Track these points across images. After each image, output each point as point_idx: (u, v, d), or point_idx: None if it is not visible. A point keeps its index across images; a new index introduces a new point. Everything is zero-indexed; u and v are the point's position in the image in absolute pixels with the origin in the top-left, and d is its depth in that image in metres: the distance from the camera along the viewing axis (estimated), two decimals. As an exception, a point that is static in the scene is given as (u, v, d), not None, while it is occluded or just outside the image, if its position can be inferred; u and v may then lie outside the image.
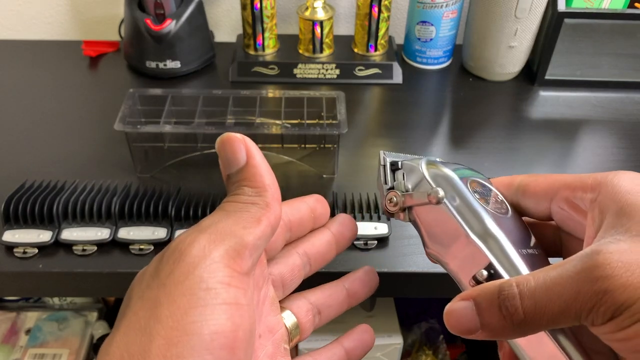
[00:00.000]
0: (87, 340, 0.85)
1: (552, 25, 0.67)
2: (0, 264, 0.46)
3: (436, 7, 0.70)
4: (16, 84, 0.70)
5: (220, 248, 0.22)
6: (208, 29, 0.74)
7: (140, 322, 0.21)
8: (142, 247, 0.47)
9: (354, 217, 0.49)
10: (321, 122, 0.56)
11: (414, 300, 0.88)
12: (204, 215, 0.48)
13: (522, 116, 0.67)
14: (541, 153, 0.61)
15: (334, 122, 0.54)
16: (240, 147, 0.26)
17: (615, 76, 0.71)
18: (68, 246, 0.47)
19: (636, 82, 0.72)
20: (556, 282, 0.22)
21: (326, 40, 0.72)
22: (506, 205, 0.30)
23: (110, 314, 0.90)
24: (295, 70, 0.72)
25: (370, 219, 0.49)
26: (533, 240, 0.29)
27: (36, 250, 0.47)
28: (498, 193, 0.30)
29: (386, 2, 0.70)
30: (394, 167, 0.32)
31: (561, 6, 0.66)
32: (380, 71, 0.72)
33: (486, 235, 0.27)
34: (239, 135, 0.26)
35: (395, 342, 0.68)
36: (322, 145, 0.57)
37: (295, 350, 0.31)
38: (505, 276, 0.26)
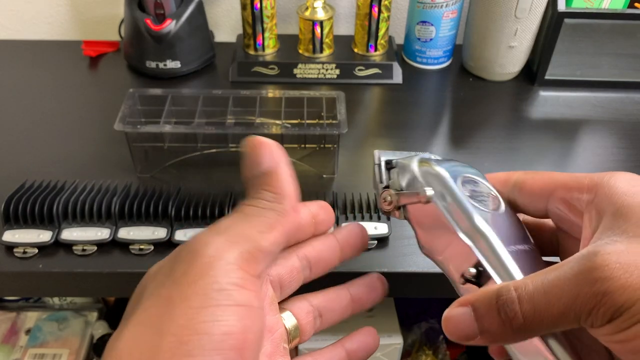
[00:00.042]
0: (87, 340, 0.85)
1: (552, 25, 0.67)
2: (0, 264, 0.46)
3: (436, 7, 0.70)
4: (16, 84, 0.70)
5: (235, 250, 0.23)
6: (208, 29, 0.74)
7: (151, 319, 0.22)
8: (142, 247, 0.47)
9: (354, 217, 0.49)
10: (321, 122, 0.56)
11: (414, 300, 0.88)
12: (204, 215, 0.48)
13: (522, 116, 0.67)
14: (541, 153, 0.61)
15: (334, 122, 0.54)
16: (269, 152, 0.26)
17: (615, 76, 0.71)
18: (68, 246, 0.47)
19: (636, 82, 0.72)
20: (554, 285, 0.22)
21: (326, 40, 0.72)
22: (499, 201, 0.29)
23: (110, 314, 0.90)
24: (295, 70, 0.72)
25: (370, 219, 0.49)
26: (526, 235, 0.29)
27: (36, 250, 0.47)
28: (492, 189, 0.30)
29: (386, 2, 0.70)
30: (389, 165, 0.32)
31: (561, 6, 0.66)
32: (380, 71, 0.72)
33: (474, 233, 0.27)
34: (269, 141, 0.27)
35: (395, 342, 0.68)
36: (322, 145, 0.57)
37: (295, 351, 0.31)
38: (493, 274, 0.26)
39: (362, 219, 0.49)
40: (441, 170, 0.29)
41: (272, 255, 0.25)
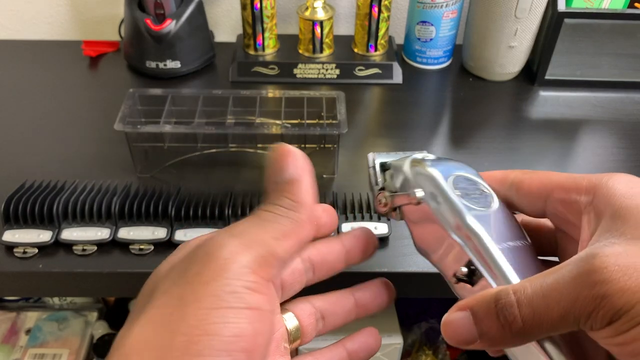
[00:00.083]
0: (87, 340, 0.85)
1: (552, 25, 0.67)
2: (0, 264, 0.46)
3: (436, 7, 0.70)
4: (16, 84, 0.70)
5: (249, 254, 0.23)
6: (208, 29, 0.74)
7: (162, 317, 0.22)
8: (142, 247, 0.47)
9: (354, 218, 0.49)
10: (321, 122, 0.56)
11: (414, 300, 0.88)
12: (204, 215, 0.48)
13: (522, 116, 0.67)
14: (541, 153, 0.61)
15: (334, 122, 0.54)
16: (295, 160, 0.27)
17: (615, 76, 0.71)
18: (68, 246, 0.47)
19: (636, 82, 0.72)
20: (553, 288, 0.22)
21: (326, 40, 0.72)
22: (492, 198, 0.29)
23: (110, 314, 0.90)
24: (295, 70, 0.72)
25: (371, 219, 0.49)
26: (520, 232, 0.29)
27: (36, 250, 0.47)
28: (486, 186, 0.30)
29: (386, 2, 0.70)
30: (384, 167, 0.32)
31: (561, 6, 0.66)
32: (380, 71, 0.72)
33: (465, 232, 0.27)
34: (296, 150, 0.27)
35: (395, 342, 0.68)
36: (322, 145, 0.57)
37: (296, 352, 0.31)
38: (485, 273, 0.26)
39: (362, 219, 0.49)
40: (432, 170, 0.29)
41: (284, 262, 0.25)
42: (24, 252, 0.47)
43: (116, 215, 0.48)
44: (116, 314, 0.89)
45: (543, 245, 0.31)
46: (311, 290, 0.32)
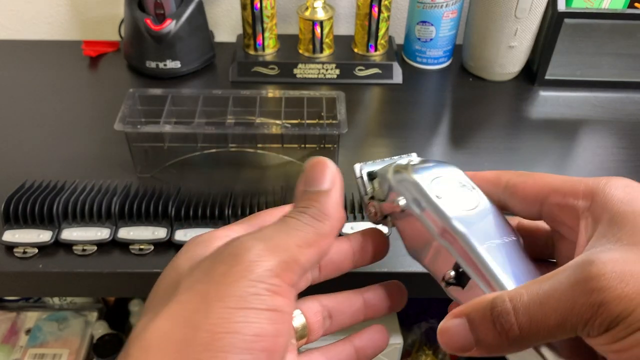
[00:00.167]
0: (87, 340, 0.85)
1: (552, 25, 0.67)
2: (0, 264, 0.46)
3: (436, 7, 0.70)
4: (16, 84, 0.70)
5: (273, 259, 0.23)
6: (208, 29, 0.74)
7: (185, 313, 0.22)
8: (142, 247, 0.47)
9: (354, 218, 0.49)
10: (321, 122, 0.56)
11: (414, 300, 0.88)
12: (204, 215, 0.48)
13: (522, 116, 0.67)
14: (541, 153, 0.61)
15: (334, 122, 0.54)
16: (329, 173, 0.27)
17: (615, 76, 0.71)
18: (68, 246, 0.47)
19: (636, 82, 0.72)
20: (550, 295, 0.22)
21: (326, 40, 0.72)
22: (477, 197, 0.29)
23: (110, 314, 0.90)
24: (295, 70, 0.72)
25: (370, 219, 0.49)
26: (507, 229, 0.29)
27: (36, 250, 0.47)
28: (471, 184, 0.30)
29: (386, 2, 0.70)
30: (372, 176, 0.32)
31: (561, 6, 0.66)
32: (380, 71, 0.72)
33: (450, 236, 0.27)
34: (331, 163, 0.28)
35: (395, 342, 0.68)
36: (322, 145, 0.57)
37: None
38: (473, 275, 0.26)
39: (363, 219, 0.49)
40: (414, 176, 0.29)
41: (305, 269, 0.25)
42: (24, 252, 0.47)
43: (116, 215, 0.48)
44: (116, 314, 0.89)
45: (540, 247, 0.31)
46: (320, 291, 0.32)
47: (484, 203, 0.29)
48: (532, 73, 0.73)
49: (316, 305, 0.31)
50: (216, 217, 0.48)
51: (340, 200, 0.27)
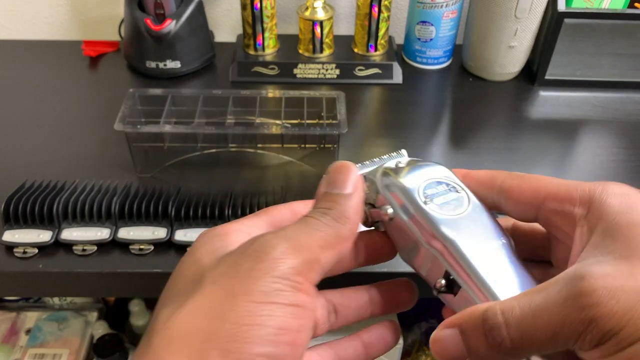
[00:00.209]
0: (87, 340, 0.85)
1: (552, 25, 0.67)
2: (0, 264, 0.46)
3: (436, 7, 0.70)
4: (16, 84, 0.70)
5: (297, 258, 0.24)
6: (208, 29, 0.74)
7: (211, 305, 0.23)
8: (142, 247, 0.47)
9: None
10: (321, 122, 0.56)
11: (414, 300, 0.88)
12: (204, 215, 0.48)
13: (522, 116, 0.67)
14: (541, 153, 0.61)
15: (334, 122, 0.54)
16: (353, 178, 0.27)
17: (615, 76, 0.71)
18: (68, 246, 0.47)
19: (636, 82, 0.72)
20: (542, 310, 0.22)
21: (326, 40, 0.72)
22: (466, 198, 0.29)
23: (110, 314, 0.90)
24: (295, 70, 0.72)
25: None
26: (498, 231, 0.28)
27: (36, 250, 0.47)
28: (460, 186, 0.29)
29: (386, 2, 0.70)
30: (364, 178, 0.32)
31: (561, 6, 0.66)
32: (380, 71, 0.72)
33: (439, 243, 0.27)
34: (356, 169, 0.28)
35: (395, 342, 0.68)
36: (322, 145, 0.57)
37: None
38: (463, 284, 0.26)
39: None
40: (402, 180, 0.29)
41: (325, 270, 0.26)
42: (24, 252, 0.47)
43: (116, 215, 0.48)
44: (116, 314, 0.89)
45: (535, 248, 0.31)
46: (323, 287, 0.32)
47: (474, 205, 0.29)
48: (532, 73, 0.73)
49: (321, 299, 0.31)
50: (216, 217, 0.48)
51: (361, 205, 0.27)
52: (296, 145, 0.57)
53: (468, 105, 0.69)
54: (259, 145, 0.57)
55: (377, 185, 0.29)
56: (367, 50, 0.74)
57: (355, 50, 0.75)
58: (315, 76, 0.72)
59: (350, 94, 0.67)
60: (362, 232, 0.31)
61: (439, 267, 0.27)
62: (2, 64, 0.74)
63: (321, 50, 0.73)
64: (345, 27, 0.83)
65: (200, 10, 0.71)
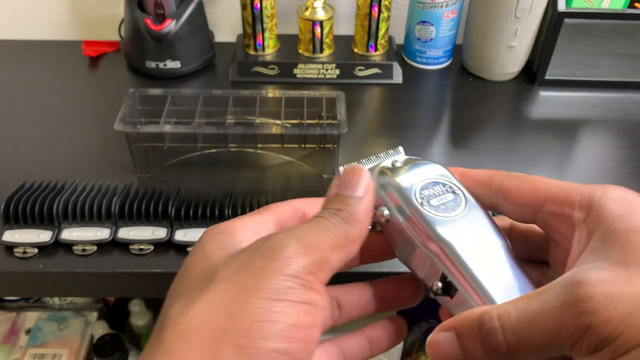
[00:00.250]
0: (87, 340, 0.85)
1: (552, 25, 0.67)
2: (0, 264, 0.46)
3: (436, 7, 0.70)
4: (16, 84, 0.70)
5: (308, 257, 0.24)
6: (208, 29, 0.74)
7: (224, 301, 0.23)
8: (142, 247, 0.47)
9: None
10: (321, 122, 0.56)
11: (414, 300, 0.88)
12: (204, 215, 0.48)
13: (522, 116, 0.67)
14: (541, 153, 0.61)
15: (334, 122, 0.54)
16: (365, 181, 0.28)
17: (615, 76, 0.71)
18: (68, 246, 0.47)
19: (636, 82, 0.72)
20: (538, 315, 0.22)
21: (326, 40, 0.72)
22: (463, 199, 0.29)
23: (110, 314, 0.90)
24: (295, 70, 0.72)
25: (370, 219, 0.49)
26: (495, 232, 0.28)
27: (36, 250, 0.47)
28: (457, 185, 0.29)
29: (386, 2, 0.70)
30: None
31: (561, 6, 0.66)
32: (380, 71, 0.72)
33: (436, 246, 0.27)
34: (368, 174, 0.28)
35: (395, 342, 0.68)
36: (322, 145, 0.57)
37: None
38: (459, 287, 0.26)
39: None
40: (398, 180, 0.29)
41: (334, 271, 0.26)
42: (24, 252, 0.47)
43: (116, 215, 0.48)
44: (116, 314, 0.89)
45: (534, 249, 0.30)
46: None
47: (471, 206, 0.28)
48: (532, 73, 0.73)
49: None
50: (216, 217, 0.48)
51: (371, 209, 0.28)
52: (296, 145, 0.57)
53: (468, 105, 0.69)
54: (259, 145, 0.57)
55: (375, 184, 0.29)
56: (367, 50, 0.74)
57: (355, 50, 0.75)
58: (315, 76, 0.72)
59: (350, 94, 0.67)
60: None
61: (436, 270, 0.27)
62: (2, 64, 0.74)
63: (321, 50, 0.73)
64: (345, 27, 0.83)
65: (200, 10, 0.71)
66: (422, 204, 0.28)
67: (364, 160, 0.31)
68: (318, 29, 0.71)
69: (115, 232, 0.48)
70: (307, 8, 0.70)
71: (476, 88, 0.72)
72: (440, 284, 0.27)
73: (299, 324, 0.23)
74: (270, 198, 0.50)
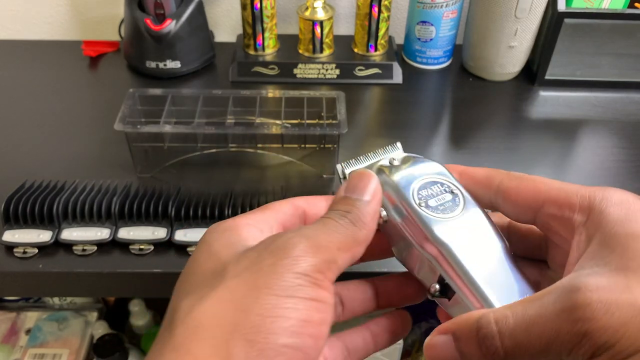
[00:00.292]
0: (87, 340, 0.85)
1: (552, 25, 0.67)
2: (0, 264, 0.46)
3: (436, 7, 0.70)
4: (16, 84, 0.70)
5: (317, 257, 0.25)
6: (208, 29, 0.74)
7: (235, 297, 0.23)
8: (142, 247, 0.47)
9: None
10: (321, 122, 0.56)
11: (414, 300, 0.88)
12: (204, 215, 0.48)
13: (522, 116, 0.67)
14: (541, 153, 0.61)
15: (334, 122, 0.54)
16: (373, 187, 0.28)
17: (615, 76, 0.71)
18: (68, 246, 0.47)
19: (636, 82, 0.72)
20: (535, 321, 0.22)
21: (326, 40, 0.72)
22: (463, 201, 0.28)
23: (110, 314, 0.90)
24: (295, 70, 0.72)
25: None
26: (493, 233, 0.28)
27: (36, 250, 0.47)
28: (455, 185, 0.29)
29: (386, 2, 0.70)
30: None
31: (561, 6, 0.66)
32: (380, 71, 0.72)
33: (434, 247, 0.26)
34: (377, 180, 0.28)
35: (395, 342, 0.68)
36: (322, 145, 0.57)
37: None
38: (457, 289, 0.26)
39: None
40: (397, 181, 0.28)
41: (340, 271, 0.26)
42: (24, 252, 0.47)
43: (116, 215, 0.48)
44: (116, 314, 0.89)
45: (532, 248, 0.30)
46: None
47: (469, 207, 0.28)
48: (532, 73, 0.73)
49: None
50: (216, 217, 0.48)
51: (377, 213, 0.28)
52: (296, 145, 0.57)
53: (468, 105, 0.69)
54: (259, 145, 0.57)
55: None
56: (367, 50, 0.74)
57: (355, 50, 0.75)
58: (315, 76, 0.72)
59: (350, 94, 0.67)
60: None
61: (433, 271, 0.27)
62: (2, 64, 0.74)
63: (321, 50, 0.73)
64: (345, 27, 0.83)
65: (200, 10, 0.71)
66: (419, 204, 0.28)
67: (361, 156, 0.31)
68: (318, 29, 0.71)
69: (115, 232, 0.48)
70: (307, 8, 0.70)
71: (476, 88, 0.72)
72: (437, 286, 0.27)
73: (310, 320, 0.23)
74: (270, 198, 0.50)
